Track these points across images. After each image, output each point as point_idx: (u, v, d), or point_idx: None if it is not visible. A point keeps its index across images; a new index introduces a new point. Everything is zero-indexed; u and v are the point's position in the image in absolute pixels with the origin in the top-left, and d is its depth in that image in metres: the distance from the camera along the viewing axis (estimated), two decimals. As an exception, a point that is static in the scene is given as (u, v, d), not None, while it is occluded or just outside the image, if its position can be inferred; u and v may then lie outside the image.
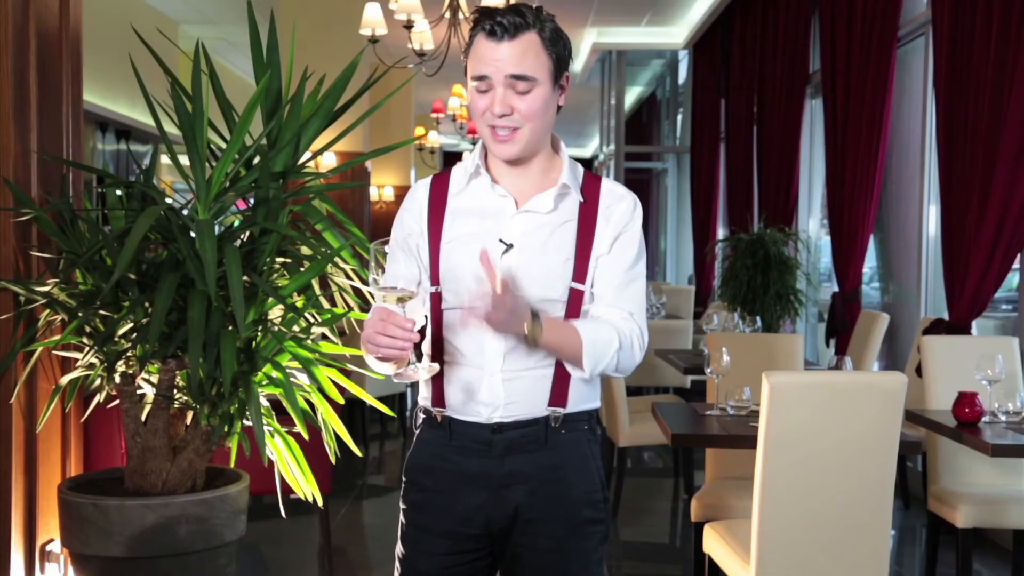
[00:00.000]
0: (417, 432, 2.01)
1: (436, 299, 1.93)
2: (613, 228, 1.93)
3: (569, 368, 1.89)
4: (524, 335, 1.80)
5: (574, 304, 1.90)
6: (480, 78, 1.86)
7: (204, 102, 2.77)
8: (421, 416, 2.00)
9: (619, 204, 1.95)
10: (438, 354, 1.93)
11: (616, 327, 1.89)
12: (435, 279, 1.92)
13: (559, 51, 1.88)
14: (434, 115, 11.35)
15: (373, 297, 1.89)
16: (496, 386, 1.89)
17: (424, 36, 6.22)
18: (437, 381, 1.93)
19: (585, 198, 1.94)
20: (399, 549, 2.00)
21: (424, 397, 1.98)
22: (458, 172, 1.98)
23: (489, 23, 1.83)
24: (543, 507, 1.91)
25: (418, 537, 1.96)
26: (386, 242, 1.87)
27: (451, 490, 1.93)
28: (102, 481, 2.97)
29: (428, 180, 2.01)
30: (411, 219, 1.98)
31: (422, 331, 1.93)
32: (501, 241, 1.90)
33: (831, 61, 6.46)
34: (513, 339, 1.86)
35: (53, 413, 3.09)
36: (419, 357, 1.88)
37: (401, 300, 1.81)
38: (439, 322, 1.93)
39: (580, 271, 1.91)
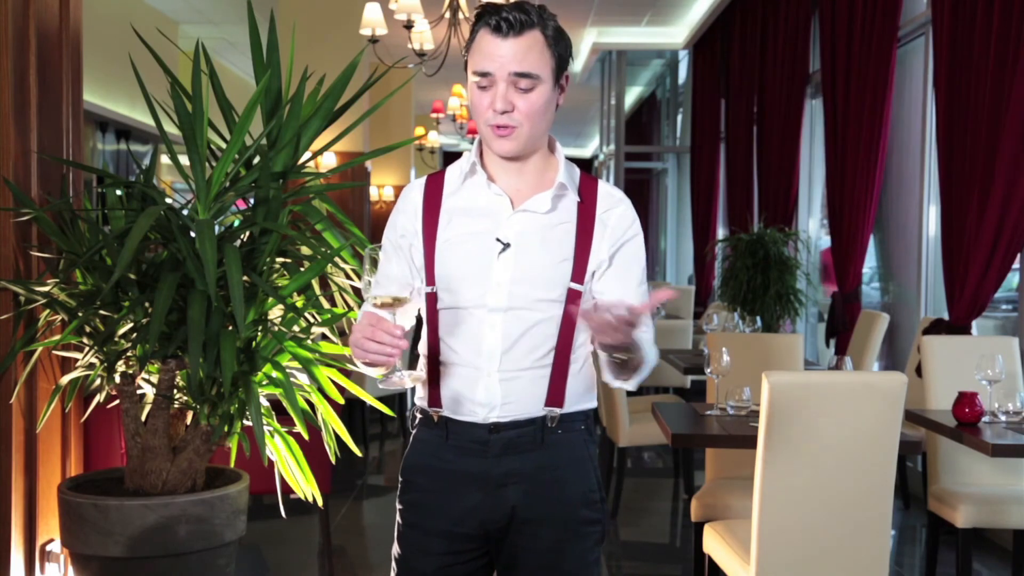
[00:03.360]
0: (414, 432, 2.00)
1: (432, 299, 1.91)
2: (611, 233, 1.93)
3: (609, 379, 1.92)
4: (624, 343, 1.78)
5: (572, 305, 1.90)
6: (483, 74, 1.84)
7: (204, 102, 2.77)
8: (418, 416, 1.99)
9: (616, 208, 1.94)
10: (435, 354, 1.93)
11: (652, 343, 1.93)
12: (430, 279, 1.91)
13: (561, 50, 1.87)
14: (434, 115, 11.34)
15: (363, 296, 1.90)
16: (493, 386, 1.88)
17: (424, 36, 6.22)
18: (433, 381, 1.93)
19: (583, 198, 1.94)
20: (395, 549, 1.99)
21: (420, 397, 1.97)
22: (453, 172, 1.97)
23: (495, 19, 1.81)
24: (540, 507, 1.91)
25: (414, 537, 1.95)
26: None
27: (447, 490, 1.92)
28: (102, 481, 2.97)
29: (422, 180, 2.00)
30: (405, 220, 1.97)
31: (414, 333, 1.93)
32: (498, 240, 1.89)
33: (831, 61, 6.45)
34: (511, 339, 1.87)
35: (53, 413, 3.09)
36: (407, 364, 1.88)
37: (393, 305, 1.81)
38: (435, 322, 1.92)
39: (579, 272, 1.90)
